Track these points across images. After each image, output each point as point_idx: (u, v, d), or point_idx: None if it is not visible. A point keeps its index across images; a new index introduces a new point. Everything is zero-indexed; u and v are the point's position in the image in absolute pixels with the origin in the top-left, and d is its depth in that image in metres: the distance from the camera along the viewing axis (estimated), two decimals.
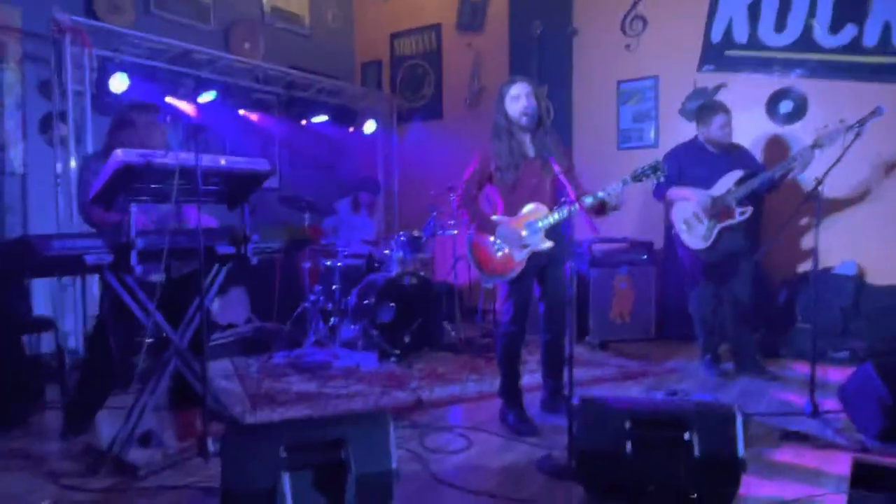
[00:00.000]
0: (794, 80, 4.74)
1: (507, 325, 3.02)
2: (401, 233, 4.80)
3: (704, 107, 3.87)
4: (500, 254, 2.94)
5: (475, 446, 2.80)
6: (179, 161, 2.41)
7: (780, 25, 4.77)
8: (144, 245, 2.38)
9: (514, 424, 2.97)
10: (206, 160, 2.51)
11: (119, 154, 2.25)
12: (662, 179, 2.86)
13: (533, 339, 3.29)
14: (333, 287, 4.68)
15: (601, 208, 2.85)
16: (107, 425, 3.01)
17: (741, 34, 4.92)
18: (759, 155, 4.48)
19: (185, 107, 4.79)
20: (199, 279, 2.35)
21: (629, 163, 5.57)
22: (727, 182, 3.75)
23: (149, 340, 2.89)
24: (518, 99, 2.90)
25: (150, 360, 3.35)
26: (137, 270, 2.36)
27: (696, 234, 3.78)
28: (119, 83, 4.24)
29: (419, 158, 6.77)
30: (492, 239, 2.96)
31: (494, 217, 3.02)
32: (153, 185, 2.48)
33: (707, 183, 3.79)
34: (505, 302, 3.01)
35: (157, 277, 2.55)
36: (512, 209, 2.99)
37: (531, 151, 2.99)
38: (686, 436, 2.05)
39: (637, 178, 2.84)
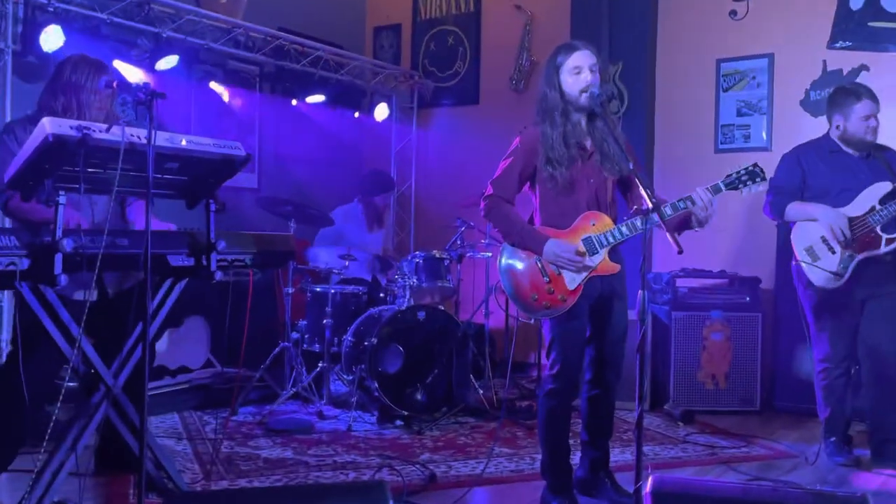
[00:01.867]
0: None
1: (554, 381, 2.99)
2: (416, 253, 4.82)
3: (842, 91, 3.84)
4: (547, 279, 2.91)
5: None
6: (127, 138, 2.46)
7: None
8: (73, 248, 2.42)
9: None
10: (163, 139, 2.57)
11: (46, 125, 2.31)
12: (763, 188, 2.87)
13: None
14: (324, 322, 4.70)
15: (683, 223, 2.86)
16: (7, 493, 3.04)
17: (891, 0, 4.89)
18: None
19: (137, 74, 4.92)
20: (130, 299, 2.38)
21: (731, 170, 5.54)
22: (870, 198, 3.69)
23: (71, 384, 2.93)
24: (579, 72, 2.91)
25: (72, 407, 3.39)
26: (61, 281, 2.39)
27: (824, 268, 3.72)
28: (52, 39, 4.35)
29: (446, 156, 6.83)
30: (535, 259, 2.95)
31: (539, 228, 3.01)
32: (91, 170, 2.53)
33: (842, 198, 3.74)
34: (551, 349, 3.00)
35: (84, 295, 2.58)
36: (562, 218, 2.98)
37: (588, 142, 3.00)
38: None
39: (732, 185, 2.86)
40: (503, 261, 3.02)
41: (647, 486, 2.21)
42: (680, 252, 2.45)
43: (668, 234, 2.54)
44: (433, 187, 6.85)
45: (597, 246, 2.92)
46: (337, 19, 6.92)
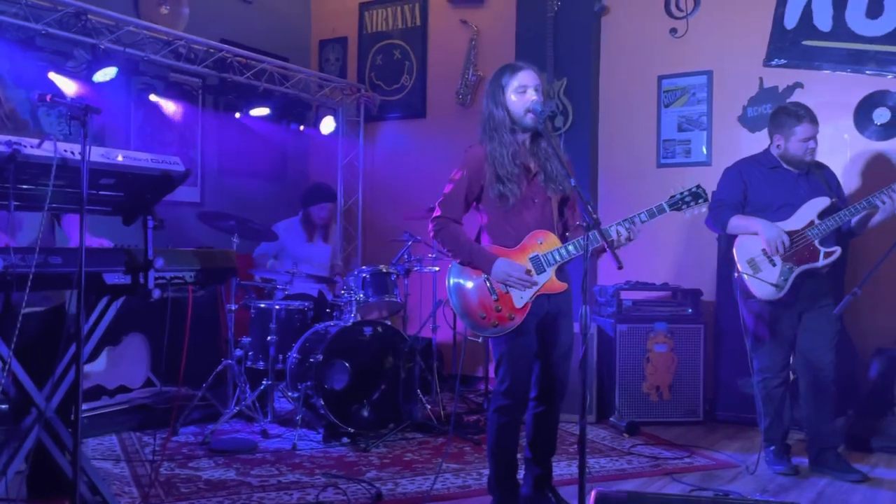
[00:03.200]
0: (893, 81, 4.87)
1: (503, 398, 3.01)
2: (363, 268, 4.80)
3: (783, 111, 3.94)
4: (495, 297, 2.93)
5: None
6: (60, 153, 2.40)
7: (874, 10, 4.92)
8: (3, 267, 2.35)
9: None
10: (97, 154, 2.51)
11: None
12: (704, 209, 2.95)
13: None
14: (268, 339, 4.65)
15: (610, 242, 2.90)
16: None
17: (824, 20, 5.07)
18: (844, 179, 4.55)
19: (74, 87, 4.81)
20: (64, 318, 2.31)
21: (673, 184, 5.51)
22: (809, 212, 3.80)
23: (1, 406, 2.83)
24: (524, 91, 2.96)
25: (2, 431, 3.28)
26: None
27: (765, 280, 3.81)
28: None
29: (393, 169, 6.83)
30: (483, 278, 2.96)
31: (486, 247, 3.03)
32: (21, 186, 2.46)
33: (781, 212, 3.84)
34: (499, 366, 3.01)
35: (18, 314, 2.50)
36: (509, 237, 3.01)
37: (532, 163, 3.04)
38: None
39: (675, 206, 2.96)
40: (451, 280, 3.03)
41: (591, 500, 2.23)
42: (620, 268, 2.49)
43: (609, 251, 2.58)
44: (380, 201, 6.84)
45: (544, 264, 2.96)
46: (282, 32, 6.89)
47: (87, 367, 4.51)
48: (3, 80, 3.00)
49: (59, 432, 2.73)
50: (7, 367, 2.55)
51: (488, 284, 2.95)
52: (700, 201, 2.96)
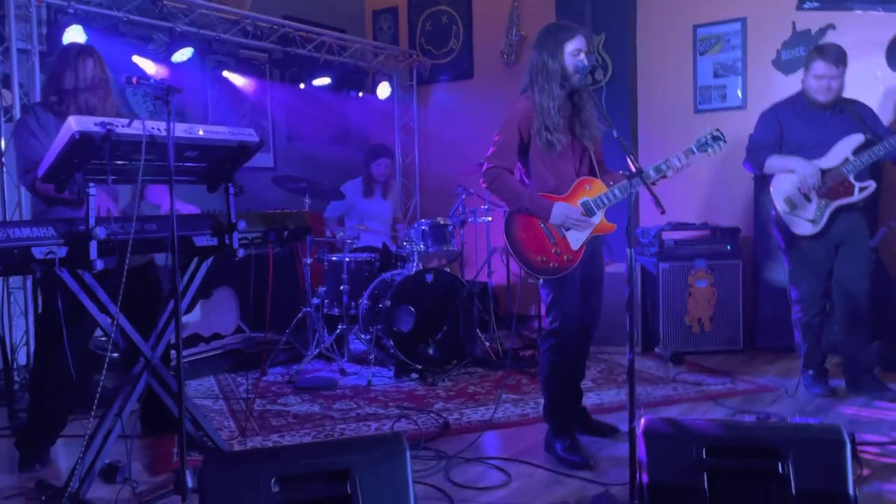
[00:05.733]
0: None
1: (556, 336, 3.01)
2: (422, 221, 4.81)
3: (811, 50, 3.79)
4: (553, 241, 2.93)
5: (514, 481, 2.80)
6: (148, 131, 2.45)
7: None
8: (106, 235, 2.42)
9: (564, 455, 2.96)
10: (181, 130, 2.55)
11: (72, 123, 2.29)
12: (720, 148, 2.92)
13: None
14: (341, 288, 4.72)
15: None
16: (64, 457, 3.09)
17: None
18: (880, 114, 4.35)
19: (155, 68, 4.88)
20: (156, 271, 2.38)
21: (700, 134, 5.49)
22: (844, 149, 3.65)
23: (113, 354, 2.95)
24: (578, 53, 2.93)
25: (116, 376, 3.43)
26: (97, 266, 2.40)
27: (802, 217, 3.70)
28: (74, 38, 4.30)
29: (445, 128, 6.78)
30: (541, 224, 2.94)
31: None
32: (117, 162, 2.52)
33: (817, 150, 3.70)
34: (551, 309, 3.01)
35: (122, 276, 2.58)
36: (557, 186, 2.98)
37: (570, 114, 3.01)
38: (780, 467, 2.00)
39: (702, 147, 2.91)
40: (509, 229, 3.00)
41: (640, 426, 2.23)
42: (662, 212, 2.44)
43: (651, 196, 2.53)
44: (435, 158, 6.81)
45: (594, 208, 2.95)
46: (338, 4, 6.82)
47: (184, 319, 4.64)
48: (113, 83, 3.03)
49: (164, 377, 2.84)
50: (115, 322, 2.64)
51: (545, 229, 2.94)
52: (719, 143, 2.92)
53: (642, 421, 2.23)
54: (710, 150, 2.92)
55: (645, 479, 2.13)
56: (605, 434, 3.23)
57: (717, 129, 2.96)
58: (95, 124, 2.33)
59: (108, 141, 2.34)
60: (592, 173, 3.03)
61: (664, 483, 2.10)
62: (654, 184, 2.80)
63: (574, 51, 2.91)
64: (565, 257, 2.93)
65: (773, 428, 2.20)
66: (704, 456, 2.06)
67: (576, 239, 2.94)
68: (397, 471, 2.00)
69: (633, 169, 2.60)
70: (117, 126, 2.37)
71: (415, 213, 6.83)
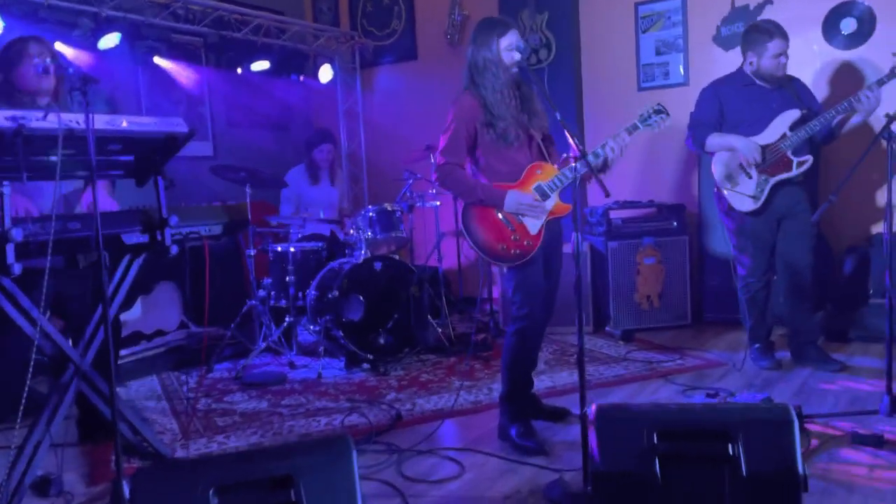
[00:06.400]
0: None
1: (522, 321, 2.98)
2: (369, 207, 4.70)
3: (755, 29, 3.78)
4: (511, 228, 2.91)
5: (468, 472, 2.75)
6: (65, 124, 2.29)
7: None
8: (24, 237, 2.27)
9: (519, 441, 2.94)
10: (102, 122, 2.41)
11: None
12: (668, 122, 2.93)
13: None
14: (287, 279, 4.59)
15: (603, 165, 2.90)
16: None
17: None
18: (814, 89, 4.40)
19: (80, 56, 4.63)
20: (99, 276, 2.25)
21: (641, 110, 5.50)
22: (781, 125, 3.68)
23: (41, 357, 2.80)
24: (511, 50, 2.92)
25: (45, 380, 3.25)
26: (15, 270, 2.25)
27: (743, 192, 3.73)
28: None
29: (390, 111, 6.66)
30: (496, 213, 2.92)
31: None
32: (33, 158, 2.36)
33: (756, 127, 3.72)
34: (516, 293, 2.98)
35: (44, 278, 2.43)
36: (509, 174, 2.96)
37: (515, 103, 2.99)
38: (730, 449, 1.99)
39: (646, 122, 2.91)
40: (466, 222, 2.97)
41: (591, 412, 2.19)
42: (607, 195, 2.40)
43: (597, 180, 2.50)
44: (381, 142, 6.68)
45: (547, 191, 2.93)
46: None
47: (123, 316, 4.47)
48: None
49: (96, 384, 2.70)
50: (38, 327, 2.49)
51: (502, 217, 2.92)
52: (662, 116, 2.93)
53: (593, 407, 2.20)
54: (653, 125, 2.91)
55: (597, 465, 2.10)
56: (557, 418, 3.21)
57: (659, 103, 2.96)
58: (6, 119, 2.17)
59: (19, 136, 2.18)
60: (542, 158, 3.01)
61: (616, 470, 2.07)
62: (603, 168, 2.79)
63: (508, 45, 2.92)
64: (525, 242, 2.91)
65: (722, 410, 2.19)
66: (656, 441, 2.04)
67: (533, 224, 2.92)
68: (343, 474, 1.92)
69: (578, 152, 2.56)
70: (30, 120, 2.22)
71: (361, 199, 6.70)
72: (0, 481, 2.49)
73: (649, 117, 2.92)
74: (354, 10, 6.77)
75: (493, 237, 2.93)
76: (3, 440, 2.96)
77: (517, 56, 2.90)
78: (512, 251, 2.91)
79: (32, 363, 2.42)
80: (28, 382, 2.43)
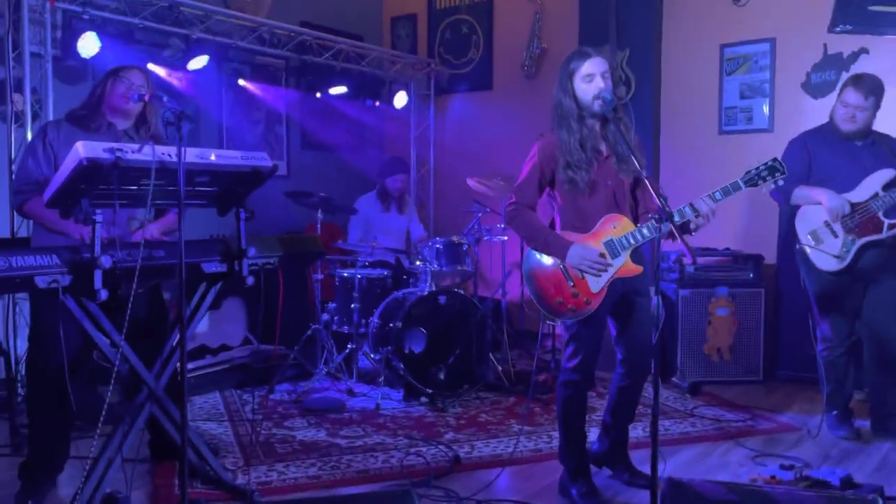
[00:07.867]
0: None
1: (571, 373, 2.89)
2: (437, 239, 4.71)
3: (849, 77, 3.67)
4: (571, 283, 2.77)
5: None
6: (158, 157, 2.37)
7: None
8: (112, 264, 2.34)
9: (580, 501, 2.86)
10: (193, 155, 2.47)
11: (80, 149, 2.21)
12: (781, 182, 2.74)
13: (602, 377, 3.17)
14: (352, 306, 4.63)
15: (682, 226, 2.69)
16: (65, 481, 3.01)
17: None
18: None
19: (171, 75, 4.81)
20: (159, 300, 2.30)
21: (734, 151, 5.40)
22: (874, 184, 3.54)
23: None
24: (591, 79, 2.75)
25: (122, 390, 3.33)
26: (101, 296, 2.32)
27: (827, 251, 3.58)
28: (89, 45, 4.26)
29: (462, 140, 6.68)
30: (558, 263, 2.79)
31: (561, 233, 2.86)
32: (125, 187, 2.44)
33: (845, 184, 3.58)
34: (569, 343, 2.88)
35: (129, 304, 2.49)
36: (583, 222, 2.82)
37: (603, 146, 2.85)
38: None
39: (751, 181, 2.71)
40: (527, 266, 2.87)
41: (662, 486, 2.13)
42: (694, 261, 2.33)
43: (681, 242, 2.40)
44: (451, 170, 6.69)
45: (619, 248, 2.76)
46: (356, 12, 6.74)
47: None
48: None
49: (167, 408, 2.76)
50: (119, 352, 2.57)
51: (563, 269, 2.77)
52: (777, 175, 2.69)
53: (665, 480, 2.13)
54: (761, 184, 2.69)
55: None
56: (633, 482, 3.06)
57: (775, 159, 2.70)
58: (104, 150, 2.25)
59: (116, 168, 2.26)
60: (623, 208, 2.86)
61: None
62: (685, 229, 2.64)
63: (586, 76, 2.75)
64: (584, 300, 2.76)
65: (801, 497, 2.09)
66: None
67: (595, 281, 2.76)
68: None
69: (664, 210, 2.44)
70: (127, 152, 2.30)
71: (427, 226, 6.73)
72: (72, 497, 2.56)
73: (758, 176, 2.69)
74: (433, 37, 6.85)
75: (552, 289, 2.79)
76: (80, 448, 3.03)
77: (599, 84, 2.72)
78: (569, 306, 2.77)
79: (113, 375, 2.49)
80: (108, 395, 2.49)
